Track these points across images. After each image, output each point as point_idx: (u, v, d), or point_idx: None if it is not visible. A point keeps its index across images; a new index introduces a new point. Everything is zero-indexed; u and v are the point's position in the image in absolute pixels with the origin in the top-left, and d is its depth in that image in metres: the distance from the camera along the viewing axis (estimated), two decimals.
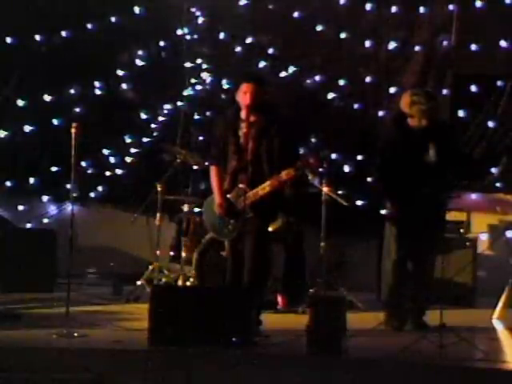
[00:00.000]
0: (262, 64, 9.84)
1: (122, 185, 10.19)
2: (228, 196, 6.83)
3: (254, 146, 6.74)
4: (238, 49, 9.95)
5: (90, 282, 9.35)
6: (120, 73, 10.14)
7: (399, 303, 7.19)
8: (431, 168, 6.95)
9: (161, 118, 10.11)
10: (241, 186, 6.74)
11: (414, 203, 6.94)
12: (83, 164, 9.86)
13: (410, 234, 7.02)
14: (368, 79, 9.74)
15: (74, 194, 7.28)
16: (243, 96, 6.70)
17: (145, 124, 10.13)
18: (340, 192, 8.44)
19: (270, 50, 9.89)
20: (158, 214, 8.81)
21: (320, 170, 7.76)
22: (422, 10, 9.65)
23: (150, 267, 8.68)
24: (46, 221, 10.12)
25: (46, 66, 10.02)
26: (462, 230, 8.93)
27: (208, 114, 9.99)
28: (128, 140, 10.12)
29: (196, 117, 10.01)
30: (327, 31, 9.77)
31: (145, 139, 10.11)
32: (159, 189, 8.72)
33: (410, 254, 7.16)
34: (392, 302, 7.22)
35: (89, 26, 10.04)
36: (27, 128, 10.03)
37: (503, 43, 9.45)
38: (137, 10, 10.09)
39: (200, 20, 10.08)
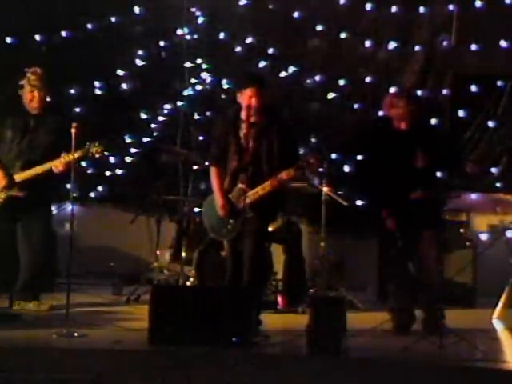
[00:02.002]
0: (262, 64, 9.84)
1: (122, 185, 10.19)
2: (229, 196, 6.84)
3: (255, 147, 6.75)
4: (238, 49, 9.95)
5: (90, 282, 9.35)
6: (120, 73, 10.14)
7: (403, 306, 7.15)
8: (416, 171, 6.93)
9: (161, 118, 10.11)
10: (240, 185, 6.75)
11: (399, 206, 6.91)
12: (83, 164, 9.86)
13: (405, 235, 6.99)
14: (368, 79, 9.74)
15: (74, 194, 7.28)
16: (249, 100, 6.70)
17: (145, 124, 10.13)
18: (340, 192, 8.45)
19: (270, 50, 9.88)
20: (157, 214, 8.82)
21: (320, 169, 7.77)
22: (422, 10, 9.64)
23: (150, 267, 8.69)
24: None
25: (46, 65, 9.99)
26: (461, 230, 8.93)
27: (208, 113, 9.98)
28: (128, 140, 10.12)
29: (196, 117, 10.00)
30: (327, 31, 9.77)
31: (145, 139, 10.11)
32: (159, 189, 8.74)
33: (409, 255, 7.13)
34: (395, 305, 7.18)
35: (89, 25, 10.04)
36: None
37: (503, 43, 9.44)
38: (137, 9, 10.09)
39: (200, 20, 10.07)
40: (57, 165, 7.30)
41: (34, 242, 7.56)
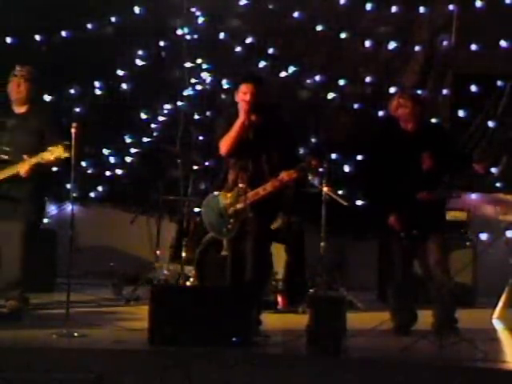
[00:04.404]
0: (262, 64, 9.84)
1: (122, 185, 10.19)
2: (228, 195, 6.83)
3: (254, 146, 6.74)
4: (238, 49, 9.95)
5: (90, 282, 9.35)
6: (120, 73, 10.15)
7: (404, 305, 7.15)
8: (423, 172, 6.93)
9: (161, 118, 10.11)
10: (241, 185, 6.74)
11: (405, 207, 6.91)
12: (83, 164, 9.86)
13: (410, 236, 6.99)
14: (368, 79, 9.74)
15: (74, 194, 7.28)
16: (243, 96, 6.71)
17: (145, 124, 10.13)
18: (340, 192, 8.45)
19: (270, 50, 9.88)
20: (157, 214, 8.82)
21: (320, 170, 7.77)
22: (422, 9, 9.65)
23: (152, 267, 8.70)
24: (46, 221, 10.12)
25: (46, 66, 10.01)
26: (461, 230, 8.93)
27: (208, 113, 9.99)
28: (128, 140, 10.12)
29: (196, 117, 10.01)
30: (327, 31, 9.77)
31: (145, 139, 10.11)
32: (159, 189, 8.74)
33: (414, 256, 7.13)
34: (396, 305, 7.17)
35: (89, 25, 10.04)
36: None
37: (503, 43, 9.44)
38: (137, 10, 10.09)
39: (200, 20, 10.08)
40: (21, 169, 7.00)
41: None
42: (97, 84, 10.11)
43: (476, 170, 6.97)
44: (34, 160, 6.96)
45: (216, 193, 7.02)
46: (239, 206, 6.73)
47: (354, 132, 9.69)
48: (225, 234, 6.90)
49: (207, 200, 7.08)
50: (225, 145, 6.78)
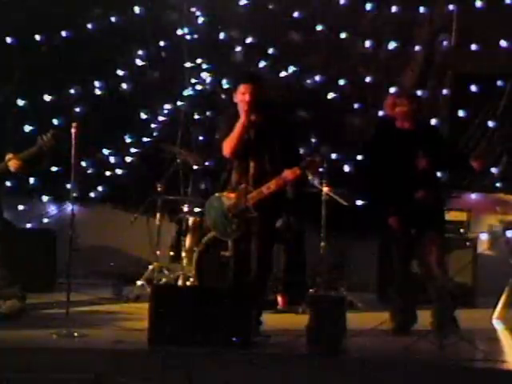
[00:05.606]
0: (262, 64, 9.84)
1: (122, 185, 10.19)
2: (231, 195, 6.82)
3: (256, 146, 6.74)
4: (238, 49, 9.95)
5: (90, 282, 9.35)
6: (120, 73, 10.14)
7: (404, 305, 7.14)
8: (419, 171, 6.92)
9: (161, 118, 10.11)
10: (243, 185, 6.74)
11: (403, 206, 6.91)
12: (83, 164, 9.86)
13: (408, 235, 7.00)
14: (368, 79, 9.74)
15: (74, 194, 7.28)
16: (242, 97, 6.70)
17: (145, 124, 10.13)
18: (341, 191, 8.45)
19: (270, 50, 9.88)
20: (157, 214, 8.82)
21: (320, 169, 7.77)
22: (422, 9, 9.65)
23: (150, 267, 8.70)
24: (46, 221, 10.13)
25: (46, 65, 10.02)
26: (462, 230, 8.93)
27: (208, 113, 9.99)
28: (128, 140, 10.12)
29: (196, 117, 10.00)
30: (327, 31, 9.77)
31: (145, 139, 10.11)
32: (159, 189, 8.74)
33: (413, 255, 7.13)
34: (396, 305, 7.17)
35: (89, 26, 10.04)
36: (27, 128, 10.02)
37: (503, 43, 9.44)
38: (137, 9, 10.08)
39: (200, 20, 10.08)
40: (12, 164, 7.10)
41: None
42: (97, 84, 10.11)
43: (473, 167, 6.96)
44: (23, 155, 7.01)
45: (219, 194, 7.02)
46: (243, 206, 6.72)
47: (354, 132, 9.69)
48: (229, 234, 6.89)
49: (210, 201, 7.06)
50: (228, 146, 6.78)
